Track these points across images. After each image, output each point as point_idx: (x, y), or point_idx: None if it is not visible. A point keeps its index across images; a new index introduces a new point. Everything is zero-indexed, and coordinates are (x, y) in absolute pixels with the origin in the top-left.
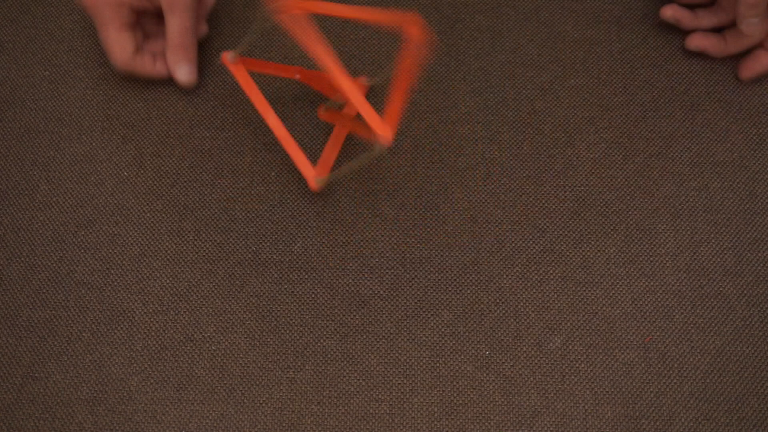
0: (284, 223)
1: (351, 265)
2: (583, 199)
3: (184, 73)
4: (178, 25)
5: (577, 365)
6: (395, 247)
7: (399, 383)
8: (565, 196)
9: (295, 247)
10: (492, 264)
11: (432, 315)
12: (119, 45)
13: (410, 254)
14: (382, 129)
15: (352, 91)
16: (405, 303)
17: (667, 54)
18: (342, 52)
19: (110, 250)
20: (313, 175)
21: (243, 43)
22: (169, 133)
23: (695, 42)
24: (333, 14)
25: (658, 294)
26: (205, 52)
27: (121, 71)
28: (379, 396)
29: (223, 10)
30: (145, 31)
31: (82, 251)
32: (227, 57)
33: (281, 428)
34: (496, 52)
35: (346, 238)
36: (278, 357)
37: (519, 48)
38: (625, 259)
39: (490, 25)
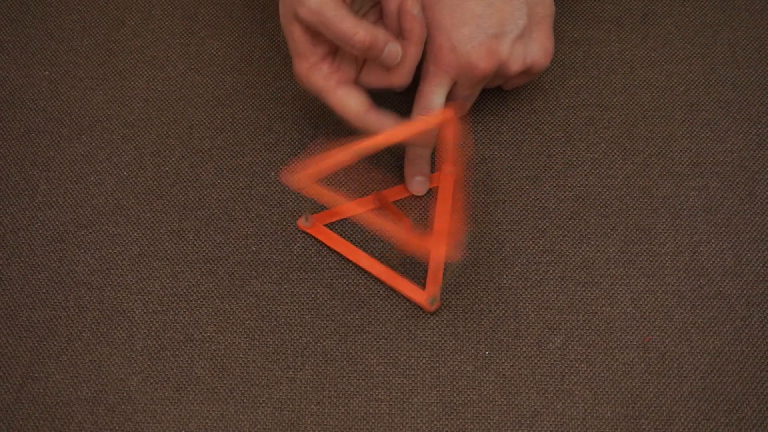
0: (284, 223)
1: (351, 265)
2: (583, 199)
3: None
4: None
5: (576, 365)
6: (395, 246)
7: (399, 383)
8: (565, 196)
9: (295, 247)
10: (492, 264)
11: (432, 315)
12: (349, 104)
13: (410, 256)
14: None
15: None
16: (405, 303)
17: (667, 54)
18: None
19: (110, 250)
20: (425, 298)
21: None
22: (169, 133)
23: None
24: (370, 151)
25: (658, 294)
26: (205, 51)
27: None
28: (379, 396)
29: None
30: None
31: (82, 251)
32: (301, 223)
33: (281, 428)
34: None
35: (346, 238)
36: (278, 357)
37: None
38: (625, 259)
39: None
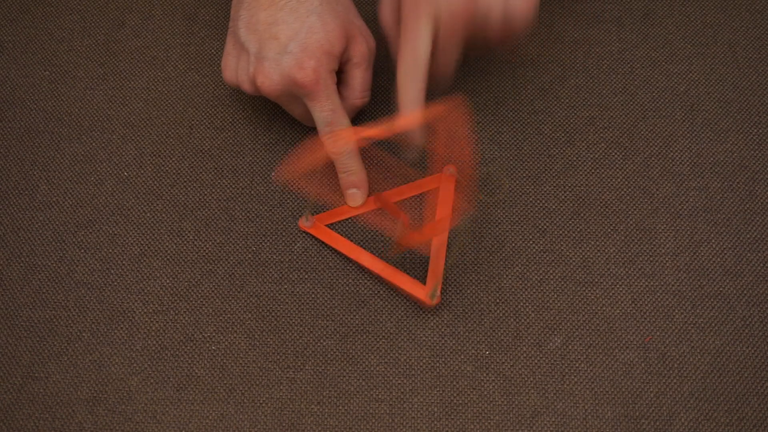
0: (284, 223)
1: (351, 265)
2: (583, 199)
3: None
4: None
5: (577, 365)
6: (395, 243)
7: (399, 383)
8: (565, 196)
9: (295, 247)
10: (492, 264)
11: (432, 315)
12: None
13: (410, 254)
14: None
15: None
16: (405, 303)
17: (667, 54)
18: None
19: (110, 250)
20: (425, 293)
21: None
22: (169, 133)
23: None
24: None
25: (658, 294)
26: (205, 51)
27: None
28: (379, 396)
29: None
30: None
31: (82, 251)
32: (302, 223)
33: (281, 428)
34: (496, 52)
35: (347, 237)
36: (278, 357)
37: (519, 48)
38: (625, 259)
39: None
